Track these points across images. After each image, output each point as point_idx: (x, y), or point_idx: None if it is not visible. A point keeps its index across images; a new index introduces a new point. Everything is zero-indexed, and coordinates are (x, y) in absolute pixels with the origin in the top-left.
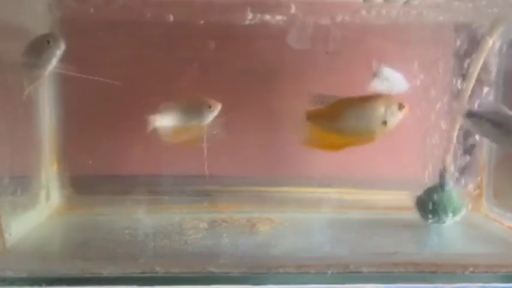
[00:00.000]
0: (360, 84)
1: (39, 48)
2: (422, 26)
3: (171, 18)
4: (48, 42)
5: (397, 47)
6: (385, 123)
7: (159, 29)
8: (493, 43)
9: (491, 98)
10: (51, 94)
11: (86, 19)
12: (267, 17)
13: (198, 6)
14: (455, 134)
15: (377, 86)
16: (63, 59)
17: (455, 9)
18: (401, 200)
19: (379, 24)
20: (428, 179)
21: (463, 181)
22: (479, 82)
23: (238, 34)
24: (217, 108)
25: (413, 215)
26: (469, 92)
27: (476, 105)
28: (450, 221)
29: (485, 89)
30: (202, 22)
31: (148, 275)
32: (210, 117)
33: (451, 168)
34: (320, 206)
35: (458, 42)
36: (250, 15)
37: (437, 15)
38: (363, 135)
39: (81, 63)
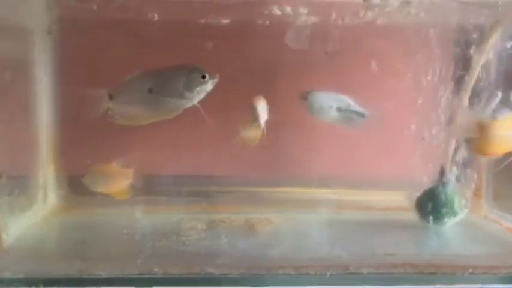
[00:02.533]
0: (360, 84)
1: (192, 81)
2: (422, 26)
3: (170, 17)
4: (204, 77)
5: (397, 47)
6: None
7: (158, 28)
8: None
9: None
10: (49, 94)
11: (84, 18)
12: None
13: (197, 6)
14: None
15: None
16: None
17: (455, 9)
18: (400, 200)
19: (379, 24)
20: (428, 179)
21: (462, 182)
22: (480, 82)
23: (237, 33)
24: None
25: (413, 216)
26: (469, 92)
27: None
28: (449, 222)
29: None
30: (201, 21)
31: (147, 275)
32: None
33: (451, 169)
34: (319, 207)
35: (458, 42)
36: (249, 15)
37: (437, 16)
38: None
39: (80, 62)
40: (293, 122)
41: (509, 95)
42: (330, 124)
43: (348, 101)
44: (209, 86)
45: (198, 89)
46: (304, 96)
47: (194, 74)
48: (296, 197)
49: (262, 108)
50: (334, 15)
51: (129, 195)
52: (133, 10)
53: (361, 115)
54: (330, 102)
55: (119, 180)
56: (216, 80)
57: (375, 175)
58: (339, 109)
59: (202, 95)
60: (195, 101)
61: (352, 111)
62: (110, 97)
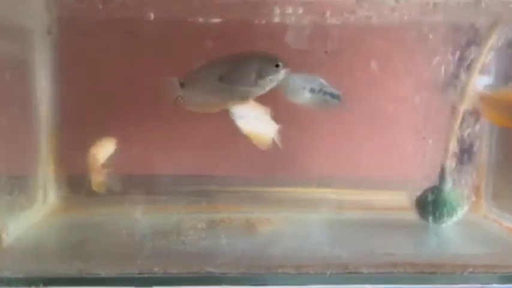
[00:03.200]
0: (359, 84)
1: (265, 69)
2: (422, 26)
3: (170, 16)
4: (277, 66)
5: (397, 47)
6: None
7: (157, 28)
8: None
9: None
10: (49, 94)
11: (84, 17)
12: (266, 15)
13: (197, 5)
14: (455, 134)
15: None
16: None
17: (454, 9)
18: (400, 200)
19: (379, 23)
20: (427, 179)
21: (462, 181)
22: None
23: (237, 33)
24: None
25: (413, 216)
26: (469, 92)
27: None
28: (449, 222)
29: None
30: (201, 20)
31: (146, 275)
32: None
33: (450, 169)
34: (319, 206)
35: (458, 42)
36: (249, 14)
37: (437, 15)
38: None
39: (80, 62)
40: (293, 122)
41: None
42: (330, 124)
43: (322, 82)
44: (281, 74)
45: (270, 77)
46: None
47: (267, 62)
48: (296, 197)
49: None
50: (329, 14)
51: (103, 190)
52: (133, 9)
53: (335, 97)
54: (303, 83)
55: (95, 174)
56: (288, 70)
57: (375, 175)
58: (312, 90)
59: (274, 84)
60: (267, 89)
61: (326, 93)
62: (181, 85)
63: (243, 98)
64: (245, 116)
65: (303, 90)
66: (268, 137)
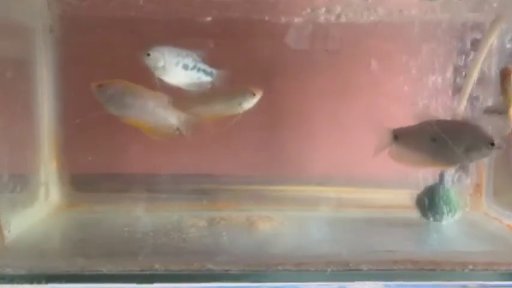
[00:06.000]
0: (359, 83)
1: (478, 145)
2: (422, 25)
3: (171, 15)
4: (492, 144)
5: (397, 46)
6: None
7: (159, 26)
8: (492, 42)
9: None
10: (50, 92)
11: (85, 16)
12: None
13: (198, 4)
14: None
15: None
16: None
17: (454, 8)
18: (400, 198)
19: (379, 23)
20: (428, 177)
21: (462, 179)
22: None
23: (237, 32)
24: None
25: (413, 214)
26: (468, 91)
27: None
28: (449, 219)
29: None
30: (201, 20)
31: (148, 272)
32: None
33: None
34: (319, 205)
35: (458, 41)
36: (249, 13)
37: (436, 15)
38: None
39: (81, 60)
40: (293, 121)
41: None
42: (330, 123)
43: (196, 57)
44: (492, 153)
45: (481, 154)
46: (146, 52)
47: (482, 138)
48: (296, 195)
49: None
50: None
51: None
52: (135, 8)
53: (209, 74)
54: (175, 58)
55: None
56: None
57: (374, 173)
58: (185, 67)
59: (483, 158)
60: (476, 160)
61: (200, 70)
62: (395, 137)
63: (450, 163)
64: (136, 106)
65: (175, 67)
66: (170, 127)
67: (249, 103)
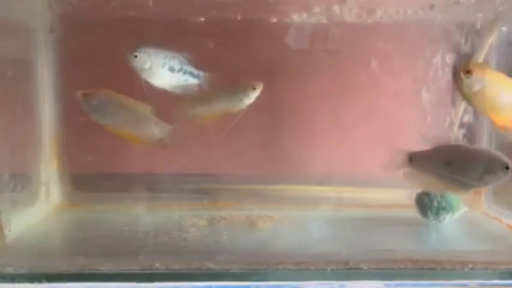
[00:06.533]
0: (359, 83)
1: (493, 169)
2: (422, 25)
3: (171, 15)
4: (507, 168)
5: (397, 46)
6: None
7: (159, 26)
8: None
9: None
10: (51, 91)
11: (86, 16)
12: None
13: (198, 4)
14: (455, 132)
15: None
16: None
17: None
18: (400, 197)
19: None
20: None
21: None
22: None
23: (238, 32)
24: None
25: (413, 213)
26: None
27: None
28: (449, 219)
29: None
30: (202, 19)
31: (148, 271)
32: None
33: None
34: (319, 204)
35: (458, 41)
36: (249, 13)
37: (437, 14)
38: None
39: (82, 60)
40: (293, 120)
41: None
42: (330, 123)
43: (182, 59)
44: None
45: (497, 178)
46: (133, 54)
47: (497, 163)
48: (297, 194)
49: None
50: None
51: None
52: (135, 8)
53: (196, 76)
54: (162, 60)
55: None
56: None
57: (374, 172)
58: (172, 69)
59: (497, 183)
60: (490, 184)
61: (186, 72)
62: (410, 159)
63: (465, 188)
64: (120, 117)
65: (162, 68)
66: (153, 137)
67: (251, 98)
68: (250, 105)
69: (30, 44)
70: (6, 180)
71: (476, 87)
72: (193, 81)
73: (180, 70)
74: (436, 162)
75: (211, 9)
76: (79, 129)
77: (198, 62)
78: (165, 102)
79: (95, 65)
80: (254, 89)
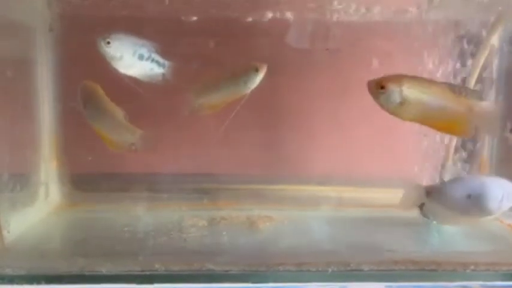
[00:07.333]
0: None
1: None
2: (422, 25)
3: (171, 14)
4: None
5: (397, 46)
6: None
7: (159, 26)
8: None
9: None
10: (50, 91)
11: (86, 15)
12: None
13: (198, 3)
14: None
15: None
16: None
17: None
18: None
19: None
20: (428, 176)
21: None
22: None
23: (238, 31)
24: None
25: (413, 213)
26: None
27: None
28: None
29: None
30: (202, 18)
31: (148, 272)
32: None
33: (452, 166)
34: (319, 204)
35: (458, 41)
36: (250, 12)
37: (437, 14)
38: None
39: (81, 59)
40: (293, 120)
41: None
42: (330, 123)
43: (150, 47)
44: None
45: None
46: (106, 40)
47: None
48: (297, 195)
49: None
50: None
51: None
52: (135, 7)
53: (162, 65)
54: (133, 48)
55: None
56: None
57: (375, 173)
58: (141, 57)
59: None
60: (499, 213)
61: (153, 60)
62: (428, 194)
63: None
64: (95, 117)
65: (132, 56)
66: (125, 141)
67: (254, 81)
68: (252, 97)
69: (30, 44)
70: (5, 180)
71: (394, 100)
72: (159, 70)
73: (148, 58)
74: (455, 195)
75: (211, 8)
76: (79, 129)
77: (198, 61)
78: (167, 97)
79: (95, 64)
80: (257, 70)
